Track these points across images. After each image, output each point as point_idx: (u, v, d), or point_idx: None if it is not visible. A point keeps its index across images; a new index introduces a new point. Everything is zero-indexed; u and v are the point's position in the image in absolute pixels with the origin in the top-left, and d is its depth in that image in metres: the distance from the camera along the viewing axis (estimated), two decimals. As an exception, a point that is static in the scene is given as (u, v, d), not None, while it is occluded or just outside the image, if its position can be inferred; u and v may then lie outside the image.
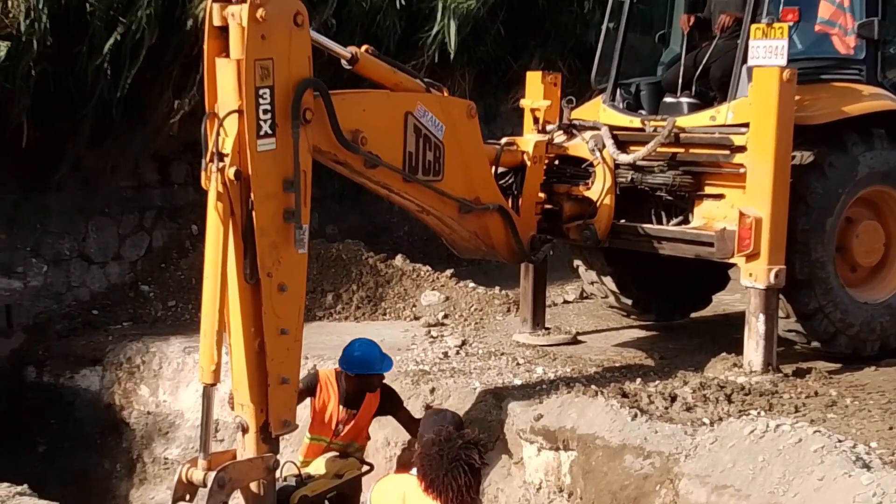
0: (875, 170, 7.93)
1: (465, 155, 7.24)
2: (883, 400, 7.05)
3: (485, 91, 13.02)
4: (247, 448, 5.83)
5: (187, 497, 5.69)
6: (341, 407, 6.75)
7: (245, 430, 5.80)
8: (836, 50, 8.24)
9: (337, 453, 6.81)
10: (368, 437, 7.08)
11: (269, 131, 5.61)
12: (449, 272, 10.86)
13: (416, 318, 9.98)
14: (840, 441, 5.65)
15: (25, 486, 6.47)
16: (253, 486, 5.83)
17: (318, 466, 6.70)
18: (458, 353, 8.63)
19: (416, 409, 7.41)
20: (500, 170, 7.94)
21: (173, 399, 8.93)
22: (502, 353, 8.47)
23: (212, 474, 5.54)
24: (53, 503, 6.34)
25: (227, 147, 5.52)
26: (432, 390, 7.54)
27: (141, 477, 8.90)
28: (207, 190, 5.53)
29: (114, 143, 10.40)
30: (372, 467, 7.01)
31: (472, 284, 10.63)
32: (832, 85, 8.13)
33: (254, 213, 5.59)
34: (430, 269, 10.94)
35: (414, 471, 4.80)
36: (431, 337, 9.21)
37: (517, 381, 7.62)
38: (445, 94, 7.27)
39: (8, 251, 10.05)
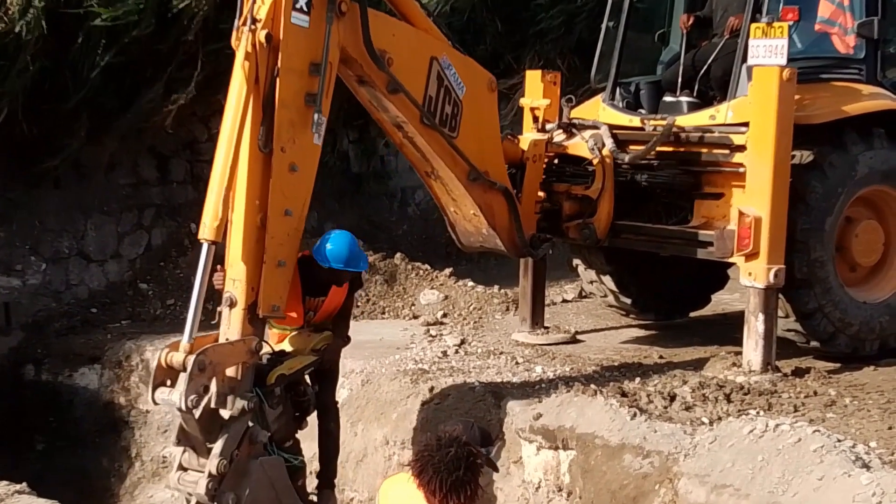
0: (875, 169, 7.93)
1: (480, 124, 7.31)
2: (882, 399, 7.04)
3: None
4: (231, 324, 5.76)
5: (167, 383, 5.56)
6: (307, 297, 6.57)
7: (233, 305, 5.74)
8: (835, 49, 8.23)
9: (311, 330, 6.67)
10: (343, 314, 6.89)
11: (305, 8, 5.80)
12: (448, 271, 10.85)
13: (415, 317, 9.98)
14: (839, 441, 5.63)
15: (24, 484, 6.47)
16: (230, 370, 5.68)
17: (292, 342, 6.54)
18: (457, 352, 8.62)
19: (414, 408, 7.41)
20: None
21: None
22: (501, 352, 8.46)
23: (192, 357, 5.42)
24: (52, 501, 6.33)
25: (262, 14, 5.66)
26: (431, 389, 7.53)
27: (139, 475, 8.90)
28: (236, 50, 5.65)
29: (111, 138, 10.40)
30: (349, 340, 6.87)
31: (471, 283, 10.62)
32: (832, 84, 8.12)
33: (277, 82, 5.70)
34: (429, 267, 10.94)
35: None
36: (430, 336, 9.20)
37: (516, 380, 7.61)
38: None
39: (6, 249, 10.03)
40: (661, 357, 8.37)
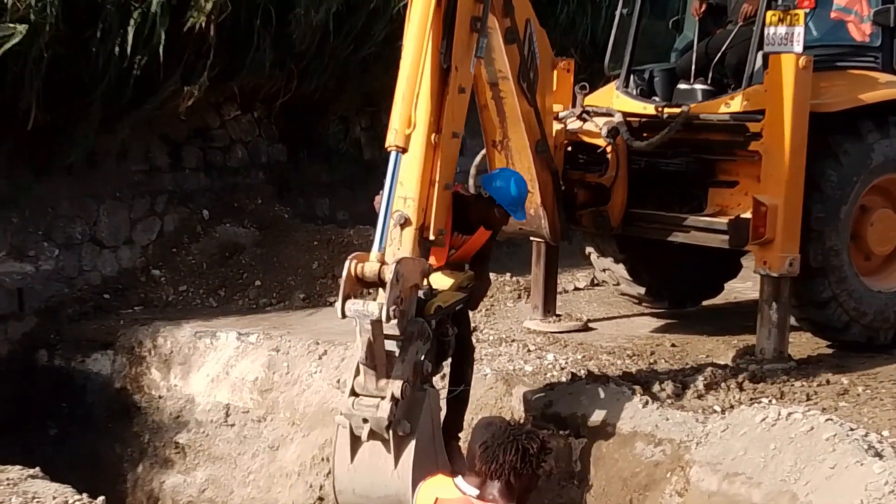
0: (890, 158, 7.88)
1: (542, 100, 7.41)
2: (895, 389, 7.02)
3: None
4: (403, 243, 5.64)
5: (352, 296, 5.34)
6: (455, 233, 6.33)
7: (405, 225, 5.63)
8: (851, 37, 8.20)
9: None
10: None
11: None
12: (460, 258, 10.82)
13: (427, 305, 9.94)
14: (852, 429, 5.63)
15: (37, 468, 6.49)
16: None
17: (439, 281, 6.23)
18: (468, 339, 8.60)
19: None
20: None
21: (184, 383, 8.93)
22: (513, 340, 8.45)
23: (388, 267, 5.23)
24: (65, 486, 6.34)
25: None
26: (443, 376, 7.52)
27: (152, 461, 8.91)
28: None
29: (124, 126, 10.41)
30: (490, 281, 6.82)
31: (483, 271, 10.58)
32: (848, 72, 8.09)
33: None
34: (441, 255, 10.90)
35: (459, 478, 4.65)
36: (442, 323, 9.17)
37: (528, 368, 7.61)
38: None
39: (20, 235, 10.06)
40: (673, 345, 8.36)
